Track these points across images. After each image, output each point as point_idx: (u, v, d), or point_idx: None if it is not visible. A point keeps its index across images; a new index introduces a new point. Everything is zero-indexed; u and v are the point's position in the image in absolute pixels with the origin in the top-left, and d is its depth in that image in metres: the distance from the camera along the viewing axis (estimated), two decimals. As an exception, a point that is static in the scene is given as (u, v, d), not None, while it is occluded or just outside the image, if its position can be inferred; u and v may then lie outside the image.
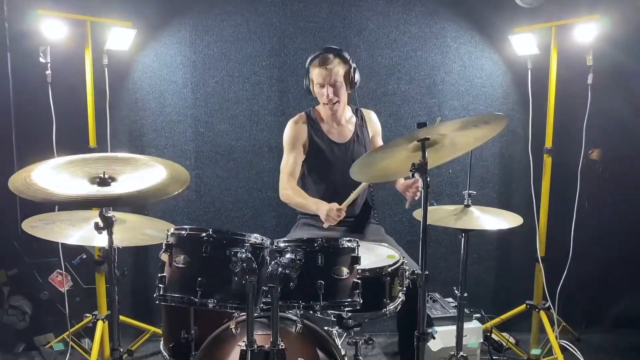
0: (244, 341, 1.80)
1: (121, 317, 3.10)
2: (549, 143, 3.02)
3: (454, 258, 3.41)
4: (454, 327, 2.94)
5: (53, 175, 1.77)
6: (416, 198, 2.34)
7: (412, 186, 2.36)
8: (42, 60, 2.62)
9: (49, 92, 2.69)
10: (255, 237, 1.85)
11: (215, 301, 1.79)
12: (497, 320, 3.28)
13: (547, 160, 3.04)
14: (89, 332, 3.09)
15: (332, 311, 1.92)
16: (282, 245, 1.86)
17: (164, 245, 1.89)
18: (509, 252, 3.49)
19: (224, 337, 2.08)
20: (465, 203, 2.25)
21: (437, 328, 2.96)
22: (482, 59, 3.34)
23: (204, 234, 1.82)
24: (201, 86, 3.24)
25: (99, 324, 2.96)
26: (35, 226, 2.11)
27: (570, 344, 3.06)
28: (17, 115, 3.06)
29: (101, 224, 1.79)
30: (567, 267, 3.02)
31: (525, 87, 3.14)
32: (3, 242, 3.19)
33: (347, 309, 1.88)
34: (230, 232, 1.84)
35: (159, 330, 3.27)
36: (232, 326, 2.05)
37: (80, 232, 2.07)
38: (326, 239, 1.88)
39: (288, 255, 1.81)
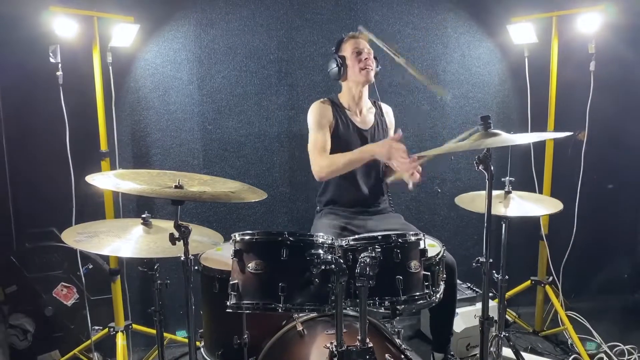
0: (332, 342, 1.80)
1: (135, 326, 2.98)
2: (551, 127, 3.19)
3: (466, 240, 3.55)
4: (472, 308, 3.11)
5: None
6: (416, 180, 2.36)
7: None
8: (52, 60, 2.42)
9: (60, 94, 2.49)
10: (323, 237, 1.84)
11: (296, 305, 1.77)
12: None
13: (549, 144, 3.20)
14: (98, 345, 2.94)
15: (407, 305, 1.96)
16: (353, 243, 1.87)
17: (232, 251, 1.85)
18: (509, 232, 3.65)
19: (290, 338, 2.06)
20: (506, 189, 2.33)
21: (458, 310, 3.09)
22: (480, 48, 3.45)
23: (280, 238, 1.79)
24: (207, 82, 3.12)
25: (119, 336, 2.83)
26: (80, 240, 1.96)
27: (574, 313, 3.28)
28: (26, 117, 2.83)
29: (176, 235, 1.71)
30: (570, 244, 3.22)
31: (521, 75, 3.29)
32: (-1, 257, 2.95)
33: (420, 301, 1.93)
34: (304, 234, 1.82)
35: (175, 337, 3.18)
36: (300, 327, 2.04)
37: (127, 243, 1.95)
38: (399, 234, 1.90)
39: (366, 254, 1.81)
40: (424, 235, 1.95)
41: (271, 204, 3.32)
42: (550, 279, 3.31)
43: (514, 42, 3.26)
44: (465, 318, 3.06)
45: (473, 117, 3.50)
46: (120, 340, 2.82)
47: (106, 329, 2.89)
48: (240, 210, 3.29)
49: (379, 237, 1.88)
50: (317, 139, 2.55)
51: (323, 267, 1.74)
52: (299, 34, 3.17)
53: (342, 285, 1.72)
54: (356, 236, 1.91)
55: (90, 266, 3.03)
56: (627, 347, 2.99)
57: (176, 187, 1.70)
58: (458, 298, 3.12)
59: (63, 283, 3.02)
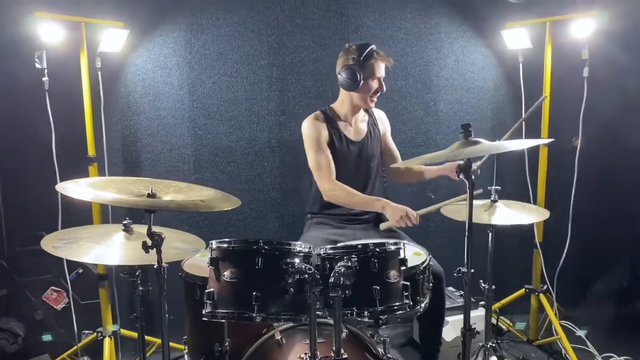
0: (306, 353, 1.78)
1: (123, 331, 2.97)
2: (544, 134, 3.15)
3: (452, 247, 3.50)
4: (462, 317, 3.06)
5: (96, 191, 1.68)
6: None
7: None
8: (38, 66, 2.43)
9: (46, 100, 2.50)
10: (300, 246, 1.83)
11: (271, 314, 1.76)
12: (497, 305, 3.41)
13: (543, 150, 3.16)
14: (89, 349, 2.95)
15: (385, 315, 1.94)
16: (330, 252, 1.85)
17: (208, 259, 1.84)
18: (504, 239, 3.61)
19: (268, 347, 2.05)
20: (492, 198, 2.30)
21: (447, 318, 3.05)
22: (474, 53, 3.42)
23: (255, 246, 1.78)
24: (198, 87, 3.12)
25: (106, 341, 2.83)
26: (59, 246, 1.96)
27: (569, 323, 3.23)
28: (13, 123, 2.84)
29: (149, 243, 1.70)
30: (564, 252, 3.17)
31: (515, 81, 3.25)
32: (-11, 261, 2.97)
33: (399, 312, 1.91)
34: (279, 242, 1.80)
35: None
36: (278, 336, 2.02)
37: (108, 250, 1.94)
38: (377, 243, 1.88)
39: (342, 263, 1.79)
40: (404, 244, 1.93)
41: (262, 209, 3.31)
42: (545, 287, 3.26)
43: (509, 47, 3.22)
44: (457, 327, 3.02)
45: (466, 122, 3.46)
46: (108, 345, 2.81)
47: (94, 334, 2.89)
48: (230, 216, 3.28)
49: (356, 246, 1.87)
50: (322, 162, 2.53)
51: (298, 277, 1.73)
52: (289, 40, 3.16)
53: (316, 295, 1.71)
54: (334, 245, 1.89)
55: (80, 270, 3.04)
56: (621, 358, 2.93)
57: (149, 195, 1.68)
58: (449, 306, 3.10)
59: (53, 287, 3.03)
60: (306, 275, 1.70)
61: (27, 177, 2.86)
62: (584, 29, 2.85)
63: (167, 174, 3.15)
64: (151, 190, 1.70)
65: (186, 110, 3.12)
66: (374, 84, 2.50)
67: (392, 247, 1.90)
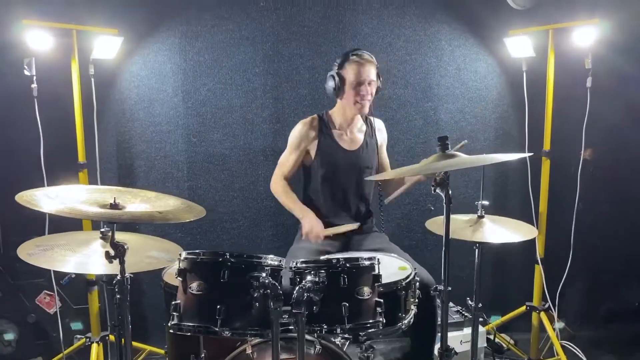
0: (268, 369, 1.74)
1: (112, 337, 2.97)
2: (547, 146, 3.03)
3: (457, 262, 3.40)
4: (458, 333, 2.97)
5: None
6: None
7: None
8: (27, 72, 2.46)
9: (35, 106, 2.52)
10: (272, 259, 1.78)
11: (235, 329, 1.72)
12: (497, 322, 3.29)
13: (546, 163, 3.05)
14: (81, 354, 2.96)
15: (356, 333, 1.88)
16: (301, 266, 1.81)
17: (176, 270, 1.81)
18: (509, 254, 3.50)
19: (240, 361, 2.01)
20: (479, 214, 2.21)
21: (442, 335, 2.96)
22: (476, 61, 3.32)
23: (220, 259, 1.75)
24: (192, 94, 3.11)
25: (94, 347, 2.84)
26: (33, 253, 1.96)
27: (569, 343, 3.09)
28: (1, 129, 2.87)
29: (112, 253, 1.68)
30: (567, 269, 3.05)
31: (520, 90, 3.15)
32: (-17, 265, 3.02)
33: (371, 330, 1.84)
34: (249, 255, 1.76)
35: (155, 349, 3.16)
36: (249, 350, 1.98)
37: (82, 258, 1.93)
38: (348, 258, 1.83)
39: (310, 278, 1.74)
40: (378, 260, 1.87)
41: (256, 217, 3.27)
42: (547, 305, 3.14)
43: (512, 55, 3.12)
44: (451, 343, 2.89)
45: (469, 133, 3.38)
46: (95, 351, 2.81)
47: (83, 339, 2.90)
48: (224, 224, 3.26)
49: (325, 261, 1.82)
50: (288, 160, 2.58)
51: (263, 291, 1.69)
52: (285, 47, 3.13)
53: (279, 311, 1.66)
54: (303, 259, 1.85)
55: (73, 275, 3.06)
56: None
57: (111, 205, 1.67)
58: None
59: (46, 291, 3.05)
60: (268, 290, 1.65)
61: (18, 182, 2.88)
62: (586, 37, 2.74)
63: (161, 180, 3.16)
64: (114, 201, 1.67)
65: (180, 117, 3.12)
66: (353, 91, 2.44)
67: (366, 263, 1.84)
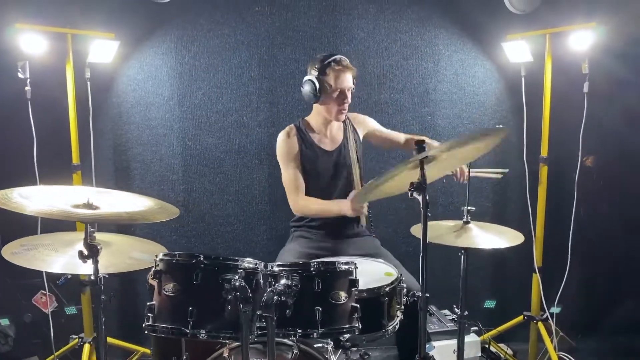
0: (239, 372, 1.72)
1: (109, 339, 2.99)
2: (544, 152, 2.98)
3: (451, 269, 3.35)
4: (452, 342, 2.92)
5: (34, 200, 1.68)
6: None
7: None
8: (20, 75, 2.51)
9: (28, 108, 2.57)
10: (248, 262, 1.77)
11: (208, 331, 1.71)
12: (494, 332, 3.23)
13: (543, 170, 3.00)
14: (76, 354, 2.98)
15: (330, 338, 1.86)
16: (276, 269, 1.80)
17: (152, 271, 1.82)
18: (505, 262, 3.43)
19: (217, 364, 2.00)
20: (465, 220, 2.18)
21: (434, 343, 2.91)
22: (474, 66, 3.28)
23: (194, 260, 1.75)
24: (188, 98, 3.14)
25: (86, 347, 2.86)
26: (17, 252, 1.98)
27: (568, 355, 3.01)
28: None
29: (86, 253, 1.69)
30: (565, 278, 2.98)
31: (518, 95, 3.10)
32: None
33: (347, 334, 1.82)
34: (222, 257, 1.76)
35: (148, 351, 3.17)
36: (226, 354, 1.98)
37: (65, 259, 1.95)
38: (323, 262, 1.82)
39: (283, 281, 1.74)
40: (355, 265, 1.85)
41: (251, 221, 3.28)
42: (545, 315, 3.07)
43: (510, 60, 3.08)
44: (443, 352, 2.88)
45: (467, 139, 3.33)
46: (86, 351, 2.84)
47: (76, 339, 2.92)
48: (219, 227, 3.27)
49: (299, 264, 1.81)
50: (290, 178, 2.53)
51: (235, 294, 1.68)
52: (280, 52, 3.14)
53: (248, 314, 1.65)
54: (280, 262, 1.84)
55: (69, 276, 3.09)
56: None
57: (85, 205, 1.68)
58: (439, 330, 2.97)
59: (42, 291, 3.09)
60: (238, 293, 1.64)
61: (11, 184, 2.92)
62: (582, 41, 2.69)
63: (156, 183, 3.19)
64: (88, 201, 1.69)
65: (176, 120, 3.14)
66: (336, 100, 2.43)
67: (342, 267, 1.83)
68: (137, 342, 3.15)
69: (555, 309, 3.04)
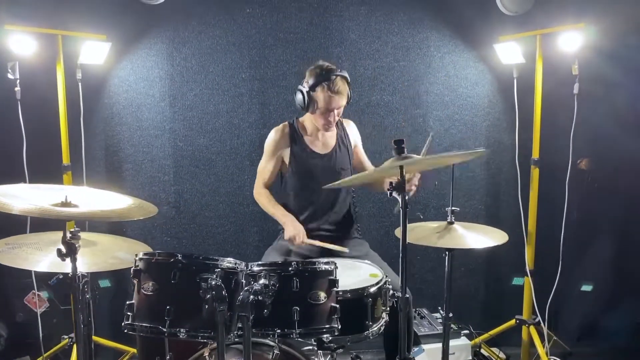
0: (216, 372, 1.72)
1: (99, 339, 3.00)
2: (536, 154, 2.97)
3: (441, 271, 3.32)
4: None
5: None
6: (410, 194, 2.27)
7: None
8: (10, 76, 2.53)
9: (18, 109, 2.59)
10: (228, 262, 1.77)
11: (185, 331, 1.71)
12: (485, 336, 3.20)
13: (535, 172, 2.98)
14: (67, 354, 2.99)
15: (308, 338, 1.86)
16: (256, 269, 1.80)
17: (132, 271, 1.82)
18: (497, 265, 3.41)
19: (198, 365, 2.00)
20: (449, 220, 2.17)
21: (424, 346, 2.89)
22: (466, 68, 3.27)
23: (172, 259, 1.75)
24: (179, 99, 3.15)
25: (75, 347, 2.86)
26: (1, 251, 1.99)
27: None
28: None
29: (64, 251, 1.70)
30: (556, 280, 2.96)
31: (511, 97, 3.10)
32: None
33: (324, 335, 1.82)
34: (201, 257, 1.76)
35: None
36: (207, 354, 1.98)
37: (50, 258, 1.95)
38: (302, 262, 1.82)
39: (262, 281, 1.74)
40: (336, 265, 1.85)
41: (242, 222, 3.28)
42: (537, 319, 3.04)
43: (502, 62, 3.07)
44: (432, 355, 2.86)
45: (459, 141, 3.33)
46: (76, 351, 2.84)
47: (67, 339, 2.93)
48: (210, 228, 3.27)
49: (278, 264, 1.81)
50: (266, 168, 2.60)
51: (210, 293, 1.68)
52: (271, 53, 3.14)
53: (224, 314, 1.64)
54: (260, 261, 1.84)
55: (61, 276, 3.10)
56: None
57: (63, 204, 1.69)
58: (428, 333, 2.96)
59: (34, 291, 3.10)
60: (214, 292, 1.64)
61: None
62: (572, 42, 2.68)
63: (148, 184, 3.20)
64: (66, 199, 1.70)
65: (167, 122, 3.15)
66: (322, 115, 2.42)
67: (323, 267, 1.83)
68: (128, 343, 3.14)
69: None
